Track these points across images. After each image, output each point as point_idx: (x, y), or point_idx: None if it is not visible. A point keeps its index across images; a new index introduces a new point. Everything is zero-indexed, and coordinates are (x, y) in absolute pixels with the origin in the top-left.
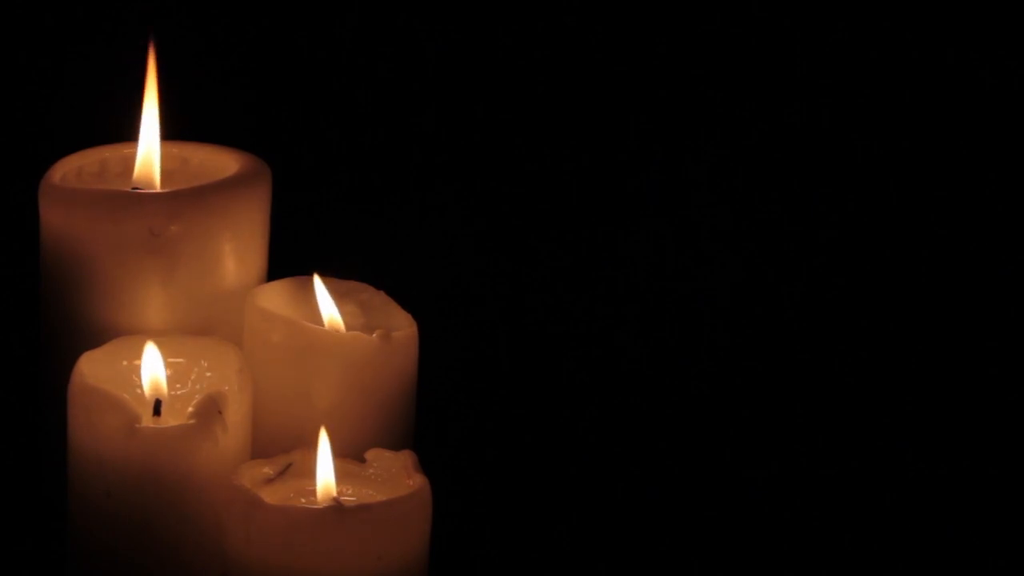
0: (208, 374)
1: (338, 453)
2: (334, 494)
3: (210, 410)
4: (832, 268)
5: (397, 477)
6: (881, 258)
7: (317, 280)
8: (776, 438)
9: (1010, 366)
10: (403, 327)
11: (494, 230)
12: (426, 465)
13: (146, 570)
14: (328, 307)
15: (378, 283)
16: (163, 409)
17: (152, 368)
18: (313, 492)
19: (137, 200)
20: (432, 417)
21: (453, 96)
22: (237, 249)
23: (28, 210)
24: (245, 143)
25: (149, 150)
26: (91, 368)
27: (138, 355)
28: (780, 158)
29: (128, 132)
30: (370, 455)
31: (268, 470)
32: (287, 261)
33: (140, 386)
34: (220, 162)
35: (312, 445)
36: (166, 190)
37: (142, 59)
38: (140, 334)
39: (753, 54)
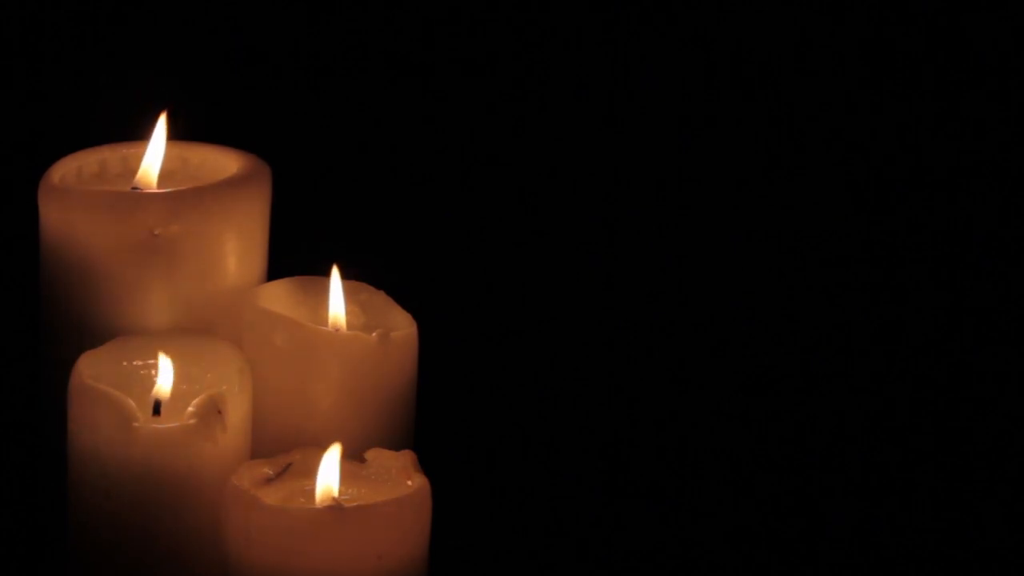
0: (208, 374)
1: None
2: (334, 495)
3: (210, 410)
4: (832, 268)
5: (397, 477)
6: (881, 258)
7: (335, 274)
8: (776, 438)
9: (1010, 366)
10: (403, 327)
11: (494, 230)
12: (426, 465)
13: (146, 570)
14: (337, 304)
15: (378, 283)
16: (163, 409)
17: (163, 370)
18: (313, 492)
19: (137, 200)
20: (432, 417)
21: (454, 96)
22: (237, 249)
23: (28, 210)
24: (245, 143)
25: (155, 156)
26: (91, 368)
27: (138, 355)
28: (780, 158)
29: (129, 133)
30: (370, 455)
31: (268, 470)
32: (287, 261)
33: (140, 386)
34: (220, 162)
35: (317, 447)
36: (166, 190)
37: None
38: (140, 334)
39: (753, 54)
